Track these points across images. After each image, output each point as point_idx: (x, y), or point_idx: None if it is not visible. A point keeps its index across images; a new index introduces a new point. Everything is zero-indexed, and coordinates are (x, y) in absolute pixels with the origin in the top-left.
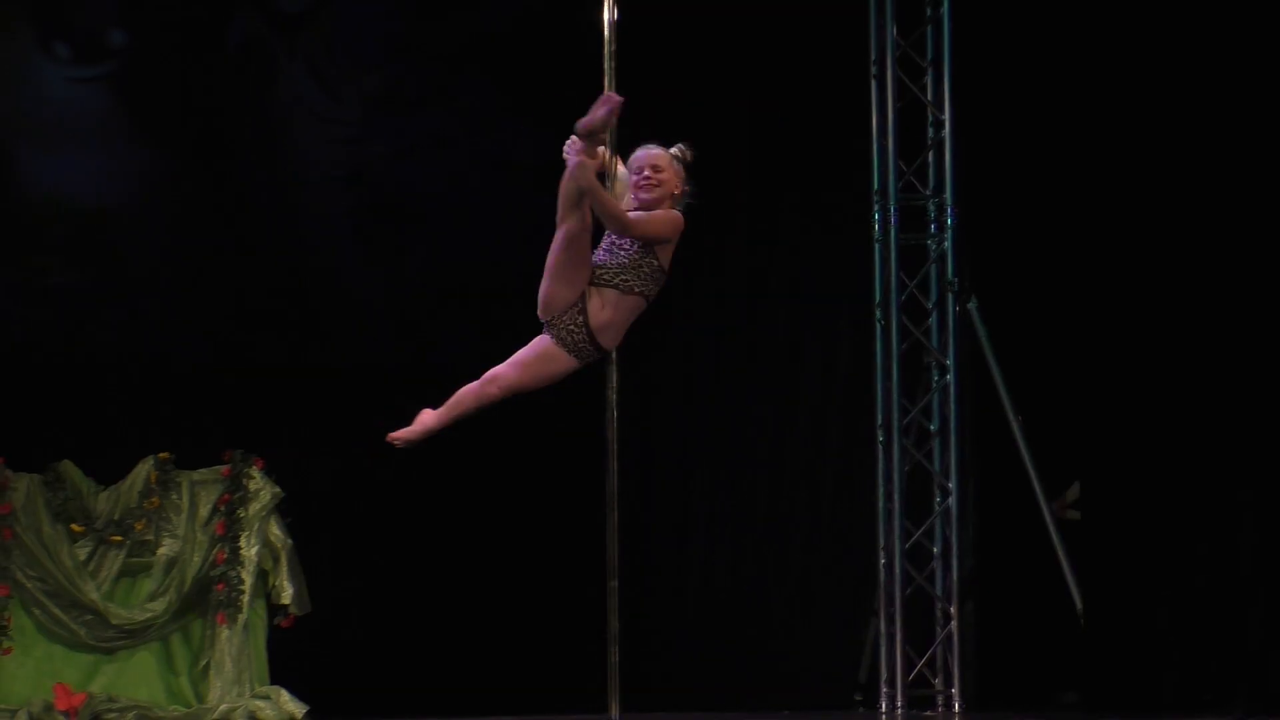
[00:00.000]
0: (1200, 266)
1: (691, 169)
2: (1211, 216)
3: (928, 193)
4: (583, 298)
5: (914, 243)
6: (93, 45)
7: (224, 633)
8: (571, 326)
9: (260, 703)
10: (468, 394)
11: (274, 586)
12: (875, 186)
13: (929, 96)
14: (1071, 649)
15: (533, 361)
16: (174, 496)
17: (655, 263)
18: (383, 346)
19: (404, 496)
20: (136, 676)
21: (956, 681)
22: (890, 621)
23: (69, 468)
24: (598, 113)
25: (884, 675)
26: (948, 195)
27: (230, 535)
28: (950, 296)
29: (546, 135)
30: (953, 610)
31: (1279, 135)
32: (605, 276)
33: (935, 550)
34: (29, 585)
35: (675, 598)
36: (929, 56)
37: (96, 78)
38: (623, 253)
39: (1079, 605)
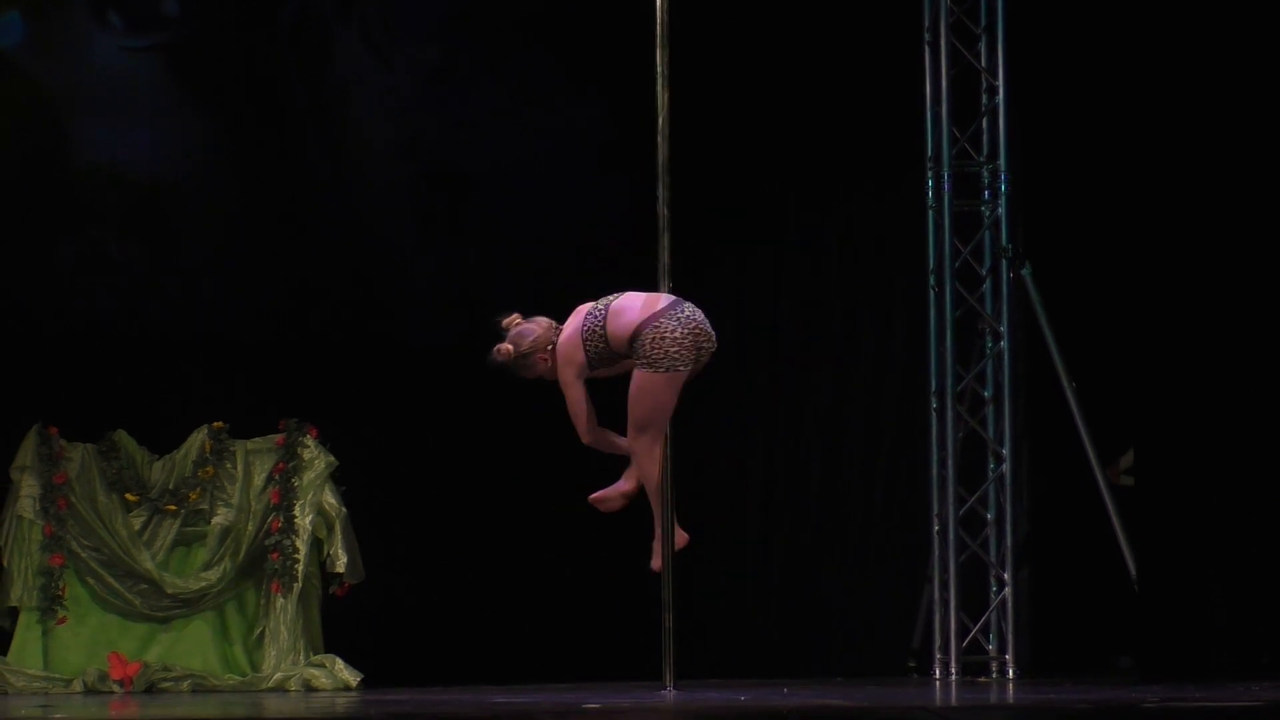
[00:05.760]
0: (1256, 233)
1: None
2: (1269, 183)
3: (981, 159)
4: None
5: (968, 209)
6: (146, 15)
7: (279, 601)
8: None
9: (315, 671)
10: None
11: (328, 555)
12: (929, 153)
13: (982, 63)
14: (1126, 615)
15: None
16: (228, 465)
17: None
18: (437, 318)
19: (458, 465)
20: (191, 645)
21: (1010, 648)
22: (944, 588)
23: (124, 437)
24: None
25: (938, 642)
26: (1001, 161)
27: (285, 504)
28: (1004, 263)
29: (603, 108)
30: (1007, 577)
31: None
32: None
33: (989, 516)
34: (84, 555)
35: (730, 564)
36: (983, 23)
37: (150, 48)
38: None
39: (1133, 571)
